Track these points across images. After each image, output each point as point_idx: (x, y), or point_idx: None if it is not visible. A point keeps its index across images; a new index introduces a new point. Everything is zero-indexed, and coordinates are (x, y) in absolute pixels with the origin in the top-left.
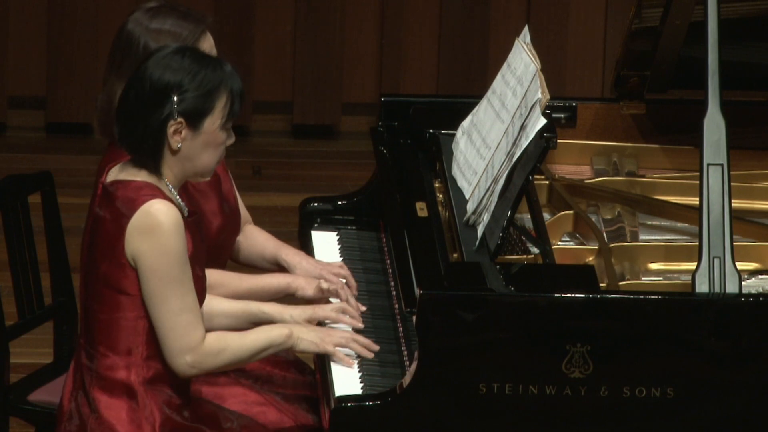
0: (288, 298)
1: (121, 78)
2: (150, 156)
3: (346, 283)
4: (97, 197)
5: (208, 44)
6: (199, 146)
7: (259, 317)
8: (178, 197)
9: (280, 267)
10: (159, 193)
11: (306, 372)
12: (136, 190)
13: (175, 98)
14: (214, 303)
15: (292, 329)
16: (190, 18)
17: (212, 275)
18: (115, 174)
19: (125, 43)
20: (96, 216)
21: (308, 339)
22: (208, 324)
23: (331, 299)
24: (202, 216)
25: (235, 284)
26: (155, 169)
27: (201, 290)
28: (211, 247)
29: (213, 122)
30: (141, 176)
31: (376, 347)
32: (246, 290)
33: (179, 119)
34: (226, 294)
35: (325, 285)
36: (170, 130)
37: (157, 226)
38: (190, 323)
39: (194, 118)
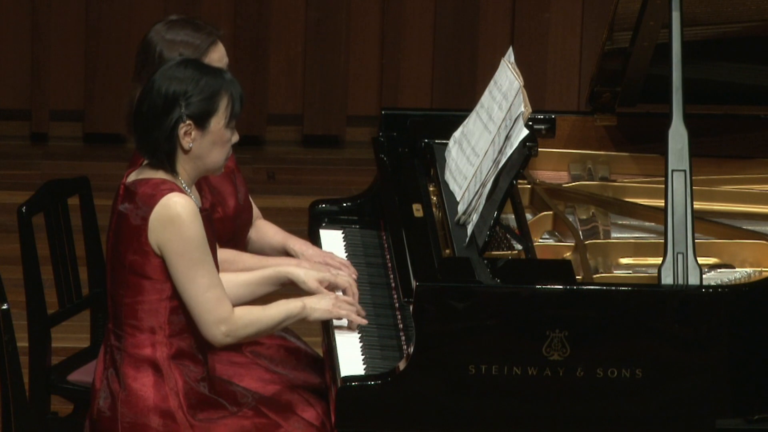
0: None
1: (140, 83)
2: (166, 158)
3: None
4: (120, 196)
5: (218, 53)
6: (207, 145)
7: (278, 277)
8: (191, 193)
9: (287, 255)
10: (176, 188)
11: (315, 356)
12: (155, 185)
13: (183, 104)
14: (232, 276)
15: (305, 302)
16: (203, 30)
17: (225, 253)
18: (134, 176)
19: (144, 51)
20: (119, 213)
21: (321, 308)
22: (231, 294)
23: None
24: (220, 198)
25: (245, 262)
26: (171, 168)
27: None
28: (229, 229)
29: (218, 122)
30: (159, 175)
31: (364, 322)
32: (254, 268)
33: (188, 122)
34: (236, 270)
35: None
36: (181, 132)
37: (176, 216)
38: (219, 297)
39: (201, 120)
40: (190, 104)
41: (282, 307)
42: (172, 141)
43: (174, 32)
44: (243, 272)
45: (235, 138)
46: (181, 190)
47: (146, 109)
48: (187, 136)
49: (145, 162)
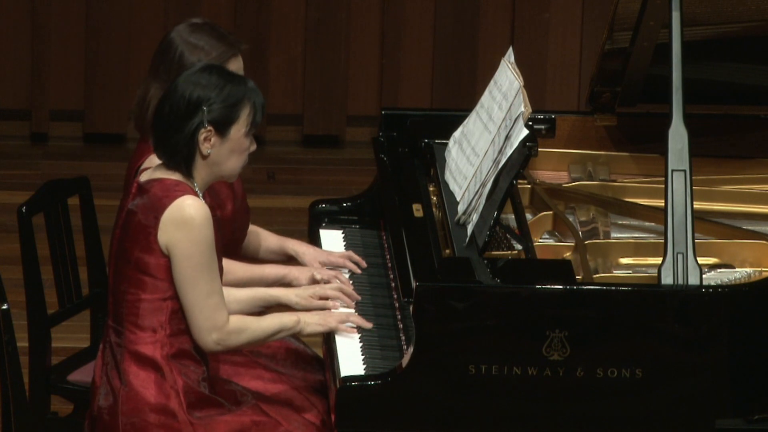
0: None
1: (156, 79)
2: (183, 161)
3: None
4: (132, 194)
5: (235, 65)
6: (226, 152)
7: (267, 300)
8: (202, 198)
9: (288, 257)
10: (190, 191)
11: (315, 356)
12: (170, 186)
13: (205, 109)
14: (225, 292)
15: (300, 316)
16: (225, 40)
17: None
18: (149, 174)
19: (164, 49)
20: (129, 210)
21: (314, 322)
22: None
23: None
24: (218, 201)
25: (240, 273)
26: (187, 172)
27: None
28: (227, 232)
29: (239, 130)
30: (174, 176)
31: (370, 324)
32: (248, 278)
33: (209, 127)
34: (230, 281)
35: (318, 276)
36: (201, 137)
37: (190, 219)
38: (217, 305)
39: (222, 126)
40: (212, 110)
41: (276, 319)
42: (191, 145)
43: (197, 36)
44: (236, 288)
45: (253, 147)
46: (195, 194)
47: (167, 111)
48: (207, 141)
49: (161, 162)
